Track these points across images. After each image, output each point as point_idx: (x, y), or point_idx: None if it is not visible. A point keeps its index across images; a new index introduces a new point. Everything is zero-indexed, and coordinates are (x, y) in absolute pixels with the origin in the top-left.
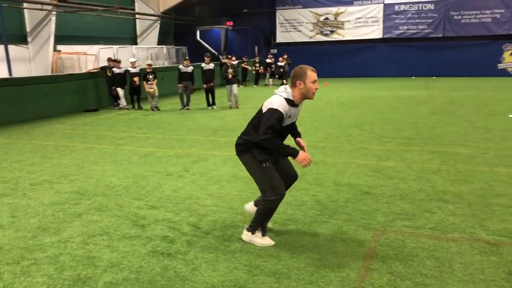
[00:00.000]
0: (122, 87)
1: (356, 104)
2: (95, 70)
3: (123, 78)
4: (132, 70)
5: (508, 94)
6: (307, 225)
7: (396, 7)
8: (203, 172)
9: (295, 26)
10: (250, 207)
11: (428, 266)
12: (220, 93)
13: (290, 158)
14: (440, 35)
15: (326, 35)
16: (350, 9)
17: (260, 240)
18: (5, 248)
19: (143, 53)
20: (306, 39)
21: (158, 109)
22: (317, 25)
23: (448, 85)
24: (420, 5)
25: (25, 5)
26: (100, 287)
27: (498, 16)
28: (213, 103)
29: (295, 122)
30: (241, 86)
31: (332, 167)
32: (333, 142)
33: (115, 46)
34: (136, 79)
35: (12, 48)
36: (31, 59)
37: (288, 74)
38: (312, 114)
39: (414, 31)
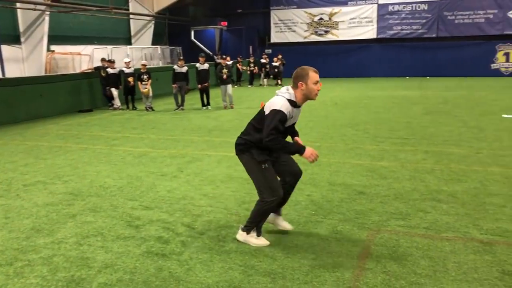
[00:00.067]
0: (117, 88)
1: (350, 104)
2: (89, 71)
3: (118, 79)
4: (127, 70)
5: (501, 94)
6: (301, 225)
7: (390, 8)
8: (198, 173)
9: (290, 26)
10: (272, 219)
11: (422, 266)
12: (215, 93)
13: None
14: (434, 35)
15: (320, 35)
16: (344, 9)
17: (255, 240)
18: None
19: (137, 53)
20: (301, 39)
21: (153, 110)
22: (311, 25)
23: (442, 85)
24: (414, 5)
25: (18, 5)
26: None
27: (491, 16)
28: (208, 103)
29: (295, 123)
30: (235, 86)
31: (327, 167)
32: (328, 142)
33: (109, 46)
34: (130, 79)
35: (5, 48)
36: (25, 59)
37: (282, 74)
38: (307, 114)
39: (408, 31)
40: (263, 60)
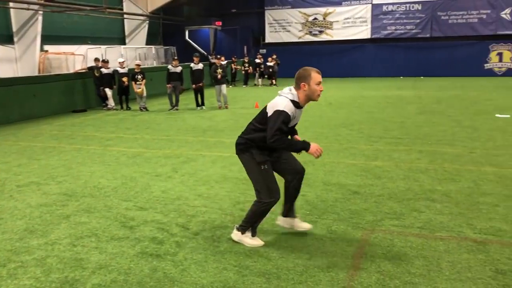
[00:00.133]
0: (111, 88)
1: (344, 104)
2: (83, 71)
3: (112, 79)
4: (121, 70)
5: (495, 94)
6: None
7: (384, 8)
8: (192, 173)
9: (284, 26)
10: (281, 222)
11: (416, 265)
12: (209, 93)
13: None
14: (428, 35)
15: (315, 35)
16: (338, 9)
17: (250, 240)
18: None
19: (131, 53)
20: (295, 39)
21: (147, 110)
22: (306, 25)
23: (436, 85)
24: (407, 5)
25: (11, 4)
26: None
27: (484, 16)
28: (202, 104)
29: (296, 124)
30: (230, 86)
31: (321, 167)
32: (322, 142)
33: (103, 46)
34: (124, 79)
35: None
36: (18, 59)
37: (277, 74)
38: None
39: (402, 31)
40: (257, 60)
